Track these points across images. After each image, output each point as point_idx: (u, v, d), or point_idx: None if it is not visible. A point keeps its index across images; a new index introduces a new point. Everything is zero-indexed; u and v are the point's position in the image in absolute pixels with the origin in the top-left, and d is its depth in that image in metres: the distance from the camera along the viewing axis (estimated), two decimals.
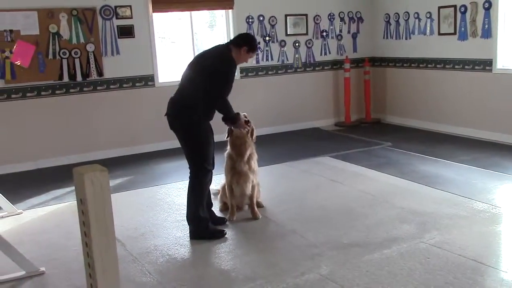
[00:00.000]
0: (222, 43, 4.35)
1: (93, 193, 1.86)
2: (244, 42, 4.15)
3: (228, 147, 4.48)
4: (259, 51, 7.89)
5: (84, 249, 1.98)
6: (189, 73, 4.15)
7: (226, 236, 4.13)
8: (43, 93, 6.60)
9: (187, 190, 4.17)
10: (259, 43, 7.85)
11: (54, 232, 4.41)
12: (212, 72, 3.98)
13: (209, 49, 4.32)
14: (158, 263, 3.72)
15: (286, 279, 3.34)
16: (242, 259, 3.72)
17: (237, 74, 7.79)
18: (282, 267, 3.52)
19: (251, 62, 7.87)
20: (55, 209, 5.01)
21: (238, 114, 4.26)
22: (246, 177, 4.42)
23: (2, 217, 4.81)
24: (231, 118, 4.19)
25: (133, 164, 6.60)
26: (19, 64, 6.36)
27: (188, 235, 4.16)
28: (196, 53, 7.58)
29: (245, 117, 4.40)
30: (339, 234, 4.03)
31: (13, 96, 6.43)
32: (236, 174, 4.41)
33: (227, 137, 4.46)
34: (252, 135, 4.49)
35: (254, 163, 4.54)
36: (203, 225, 4.11)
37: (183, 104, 4.05)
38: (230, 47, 4.15)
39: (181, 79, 4.19)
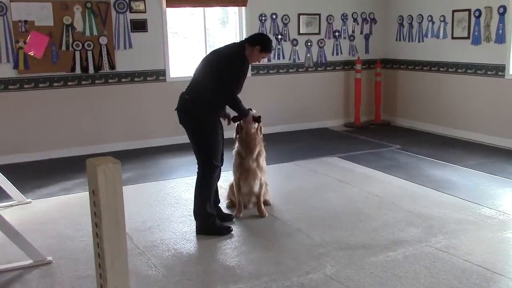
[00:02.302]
0: (237, 41, 4.39)
1: (106, 185, 1.88)
2: (257, 42, 4.15)
3: (237, 144, 4.49)
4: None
5: (95, 240, 2.00)
6: (202, 69, 4.17)
7: (232, 232, 4.14)
8: (55, 84, 6.65)
9: (194, 185, 4.19)
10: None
11: (62, 223, 4.45)
12: (223, 69, 4.00)
13: (224, 46, 4.35)
14: (164, 257, 3.75)
15: (291, 278, 3.35)
16: (247, 256, 3.73)
17: (249, 72, 7.79)
18: (287, 266, 3.53)
19: (263, 60, 7.87)
20: (64, 200, 5.05)
21: (249, 110, 4.30)
22: (254, 174, 4.43)
23: (11, 205, 4.86)
24: (241, 115, 4.22)
25: (142, 158, 6.64)
26: (32, 54, 6.41)
27: (195, 230, 4.18)
28: (208, 49, 7.65)
29: (255, 113, 4.41)
30: (345, 235, 4.04)
31: (25, 86, 6.49)
32: (245, 171, 4.42)
33: (236, 134, 4.47)
34: (260, 131, 4.50)
35: (263, 161, 4.54)
36: (209, 220, 4.13)
37: (193, 99, 4.06)
38: (245, 45, 4.16)
39: (194, 74, 4.20)
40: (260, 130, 4.51)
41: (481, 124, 7.22)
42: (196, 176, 4.20)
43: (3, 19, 6.25)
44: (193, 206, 4.23)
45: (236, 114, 4.31)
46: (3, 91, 6.38)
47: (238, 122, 4.38)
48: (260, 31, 7.75)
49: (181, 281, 3.37)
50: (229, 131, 4.47)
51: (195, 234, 4.15)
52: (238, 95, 4.16)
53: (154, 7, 7.05)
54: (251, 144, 4.40)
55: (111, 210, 1.90)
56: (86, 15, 6.65)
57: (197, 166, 4.19)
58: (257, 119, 4.38)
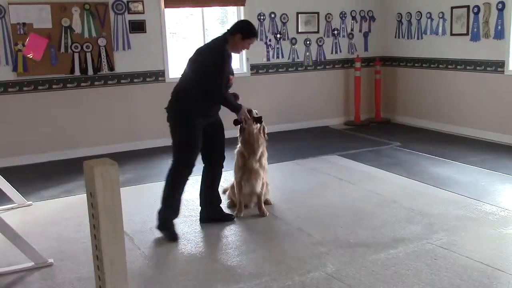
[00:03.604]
0: (221, 34, 4.27)
1: (103, 187, 1.88)
2: (237, 30, 4.07)
3: (239, 145, 4.49)
4: (269, 48, 7.89)
5: (93, 242, 2.00)
6: (186, 67, 4.18)
7: (232, 233, 4.14)
8: (54, 86, 6.65)
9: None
10: (269, 40, 7.86)
11: (63, 225, 4.45)
12: (201, 65, 4.00)
13: (207, 42, 4.36)
14: (165, 257, 3.75)
15: (292, 277, 3.35)
16: (248, 255, 3.73)
17: (247, 71, 7.81)
18: (288, 265, 3.53)
19: (262, 59, 7.88)
20: (65, 202, 5.05)
21: (250, 110, 4.31)
22: (257, 174, 4.43)
23: (12, 208, 4.86)
24: (233, 110, 4.18)
25: (142, 159, 6.64)
26: (31, 57, 6.41)
27: (195, 230, 4.19)
28: None
29: (256, 114, 4.40)
30: (346, 233, 4.04)
31: (25, 88, 6.49)
32: (247, 171, 4.42)
33: (239, 135, 4.45)
34: (264, 132, 4.49)
35: (265, 161, 4.54)
36: (161, 214, 4.11)
37: (175, 98, 4.10)
38: (227, 37, 4.09)
39: (181, 74, 4.23)
40: (264, 131, 4.49)
41: (481, 121, 7.21)
42: (200, 175, 4.32)
43: (2, 22, 6.25)
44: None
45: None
46: (2, 94, 6.39)
47: (240, 125, 4.37)
48: (259, 30, 7.75)
49: (182, 282, 3.37)
50: (227, 130, 4.45)
51: (196, 234, 4.15)
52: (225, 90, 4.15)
53: (152, 7, 7.05)
54: (254, 145, 4.39)
55: (109, 212, 1.90)
56: (84, 16, 6.65)
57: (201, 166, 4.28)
58: (257, 120, 4.37)
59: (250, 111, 4.35)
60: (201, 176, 4.39)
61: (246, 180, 4.44)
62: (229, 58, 4.09)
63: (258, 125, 4.40)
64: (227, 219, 4.40)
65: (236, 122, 4.34)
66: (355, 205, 4.67)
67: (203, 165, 4.35)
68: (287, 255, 3.70)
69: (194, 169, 4.14)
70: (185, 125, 4.04)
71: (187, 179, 4.16)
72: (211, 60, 3.97)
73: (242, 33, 4.05)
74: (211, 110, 4.16)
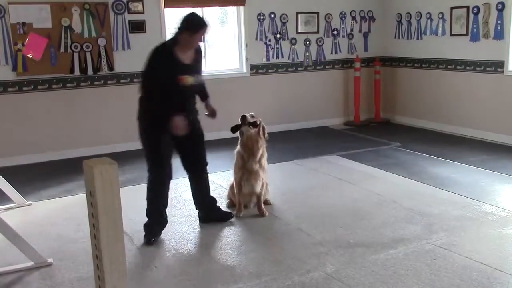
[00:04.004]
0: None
1: (102, 186, 1.88)
2: (183, 28, 3.81)
3: (239, 146, 4.48)
4: (269, 49, 7.89)
5: (92, 241, 2.00)
6: None
7: (232, 232, 4.14)
8: (54, 86, 6.65)
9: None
10: (269, 40, 7.86)
11: (63, 224, 4.45)
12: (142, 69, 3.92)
13: None
14: (165, 257, 3.75)
15: (291, 277, 3.35)
16: (248, 255, 3.73)
17: (247, 71, 7.81)
18: (287, 265, 3.53)
19: (262, 59, 7.88)
20: (64, 202, 5.05)
21: (244, 116, 4.27)
22: (256, 175, 4.43)
23: (12, 208, 4.86)
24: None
25: (142, 159, 6.57)
26: (31, 56, 6.41)
27: (195, 230, 4.19)
28: (207, 49, 7.65)
29: (252, 116, 4.39)
30: (345, 233, 4.03)
31: (24, 88, 6.49)
32: (247, 172, 4.41)
33: (240, 135, 4.44)
34: (264, 133, 4.47)
35: (265, 161, 4.54)
36: (147, 224, 4.07)
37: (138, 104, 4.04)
38: (178, 37, 3.87)
39: None
40: (263, 131, 4.46)
41: (480, 121, 7.21)
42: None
43: (1, 22, 6.25)
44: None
45: (238, 122, 4.31)
46: (2, 94, 6.38)
47: (238, 131, 4.37)
48: (259, 30, 7.76)
49: (181, 282, 3.37)
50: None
51: (195, 234, 4.15)
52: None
53: (152, 7, 7.05)
54: (253, 148, 4.39)
55: (109, 211, 1.90)
56: (84, 16, 6.65)
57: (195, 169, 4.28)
58: (253, 124, 4.35)
59: (244, 117, 4.33)
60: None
61: (245, 181, 4.44)
62: (168, 58, 3.81)
63: (255, 129, 4.37)
64: (226, 218, 4.39)
65: (233, 130, 4.36)
66: (355, 205, 4.67)
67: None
68: (286, 255, 3.70)
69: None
70: (144, 130, 3.96)
71: (162, 186, 4.05)
72: (145, 63, 3.84)
73: (189, 30, 3.80)
74: (164, 111, 3.84)
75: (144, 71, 3.87)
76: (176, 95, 3.85)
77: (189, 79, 3.91)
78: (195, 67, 4.01)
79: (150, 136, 3.95)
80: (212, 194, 5.10)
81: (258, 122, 4.40)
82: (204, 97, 4.30)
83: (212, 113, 4.26)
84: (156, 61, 3.84)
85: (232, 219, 4.40)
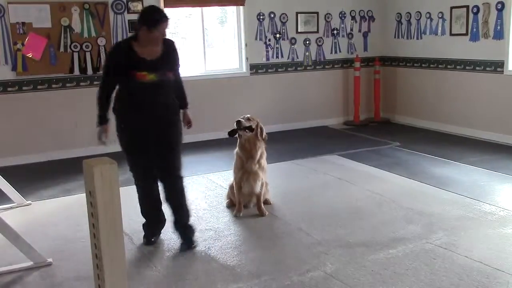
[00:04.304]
0: None
1: (102, 186, 1.88)
2: (140, 24, 3.61)
3: (238, 147, 4.48)
4: (269, 48, 7.89)
5: (92, 240, 2.00)
6: None
7: (232, 232, 4.13)
8: (54, 85, 6.64)
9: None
10: (269, 40, 7.86)
11: (62, 224, 4.45)
12: None
13: None
14: (164, 257, 3.75)
15: (291, 276, 3.35)
16: (247, 255, 3.73)
17: (247, 70, 7.81)
18: (287, 264, 3.53)
19: (261, 59, 7.88)
20: (64, 201, 5.05)
21: (238, 121, 4.21)
22: (256, 175, 4.43)
23: (11, 208, 4.86)
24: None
25: None
26: (30, 56, 6.41)
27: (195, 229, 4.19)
28: (207, 49, 7.66)
29: (248, 119, 4.37)
30: (345, 233, 4.04)
31: (24, 88, 6.49)
32: (246, 173, 4.42)
33: (239, 137, 4.44)
34: (262, 134, 4.45)
35: (264, 161, 4.54)
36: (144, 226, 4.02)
37: None
38: (138, 33, 3.66)
39: None
40: (261, 132, 4.45)
41: (480, 120, 7.22)
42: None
43: (1, 21, 6.24)
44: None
45: (235, 127, 4.30)
46: (1, 93, 6.38)
47: (236, 134, 4.38)
48: (258, 30, 7.76)
49: (181, 281, 3.37)
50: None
51: (195, 233, 4.14)
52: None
53: None
54: (252, 151, 4.39)
55: (108, 211, 1.90)
56: (84, 16, 6.65)
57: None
58: (248, 129, 4.34)
59: (239, 122, 4.32)
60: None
61: (245, 181, 4.44)
62: (124, 53, 3.60)
63: (249, 133, 4.35)
64: (187, 245, 3.87)
65: (230, 134, 4.36)
66: (355, 205, 4.67)
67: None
68: (286, 254, 3.70)
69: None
70: (116, 129, 3.77)
71: (145, 186, 3.89)
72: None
73: (145, 25, 3.58)
74: (139, 109, 3.67)
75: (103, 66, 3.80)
76: (135, 93, 3.65)
77: (148, 76, 3.61)
78: (161, 64, 3.67)
79: (121, 135, 3.76)
80: (211, 194, 5.13)
81: (254, 125, 4.38)
82: (182, 104, 3.98)
83: (187, 123, 4.03)
84: (111, 56, 3.74)
85: (193, 247, 3.86)
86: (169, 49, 3.78)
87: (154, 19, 3.58)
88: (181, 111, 3.98)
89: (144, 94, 3.64)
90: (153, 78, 3.62)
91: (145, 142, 3.72)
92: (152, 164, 3.81)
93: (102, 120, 3.73)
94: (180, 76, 3.97)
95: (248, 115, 4.43)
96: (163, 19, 3.61)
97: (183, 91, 3.99)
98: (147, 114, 3.67)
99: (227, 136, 4.50)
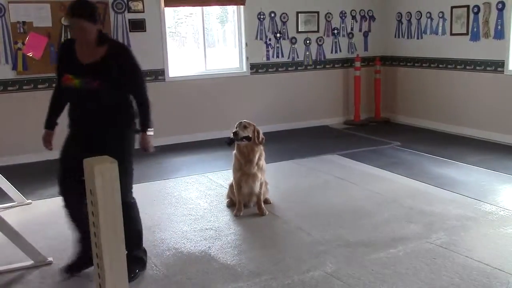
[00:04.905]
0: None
1: (103, 185, 1.88)
2: None
3: (236, 151, 4.49)
4: (269, 48, 7.89)
5: (93, 239, 2.01)
6: None
7: (232, 232, 4.14)
8: (54, 85, 6.60)
9: None
10: (269, 39, 7.86)
11: (63, 223, 4.41)
12: None
13: None
14: (165, 256, 3.75)
15: (291, 276, 3.35)
16: (247, 254, 3.73)
17: (247, 70, 7.81)
18: (287, 264, 3.53)
19: (262, 58, 7.88)
20: None
21: (50, 126, 3.56)
22: (254, 177, 4.44)
23: (12, 207, 4.86)
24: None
25: (142, 158, 6.60)
26: (31, 55, 6.41)
27: (194, 228, 4.19)
28: (207, 49, 7.66)
29: (245, 127, 4.36)
30: (345, 232, 4.04)
31: (24, 87, 6.49)
32: (245, 174, 4.42)
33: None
34: (259, 138, 4.43)
35: (263, 162, 4.54)
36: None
37: None
38: None
39: None
40: (258, 136, 4.43)
41: (480, 120, 7.22)
42: None
43: (1, 21, 6.25)
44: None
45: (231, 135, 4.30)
46: (2, 93, 6.38)
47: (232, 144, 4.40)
48: (259, 30, 7.76)
49: (181, 280, 3.37)
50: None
51: (195, 233, 4.15)
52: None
53: (152, 6, 7.04)
54: (249, 156, 4.40)
55: (109, 210, 1.90)
56: None
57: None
58: (246, 138, 4.34)
59: (236, 133, 4.31)
60: None
61: (244, 182, 4.45)
62: (64, 53, 3.29)
63: (245, 141, 4.36)
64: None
65: (229, 143, 4.38)
66: (355, 204, 4.67)
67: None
68: (286, 254, 3.70)
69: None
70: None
71: (67, 208, 3.39)
72: None
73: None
74: (72, 115, 3.36)
75: None
76: (67, 99, 3.32)
77: (73, 81, 3.18)
78: (94, 70, 3.15)
79: (61, 151, 3.40)
80: (212, 193, 5.13)
81: (251, 134, 4.37)
82: (142, 125, 3.34)
83: (142, 148, 3.41)
84: (57, 54, 3.44)
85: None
86: (115, 56, 3.20)
87: (67, 13, 3.19)
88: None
89: (74, 102, 3.28)
90: (77, 84, 3.17)
91: (74, 158, 3.00)
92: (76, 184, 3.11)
93: (46, 124, 3.46)
94: (141, 93, 3.34)
95: (244, 122, 4.42)
96: (71, 14, 3.10)
97: (143, 110, 3.33)
98: (78, 125, 3.33)
99: (225, 144, 4.50)
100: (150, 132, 3.35)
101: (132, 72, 3.29)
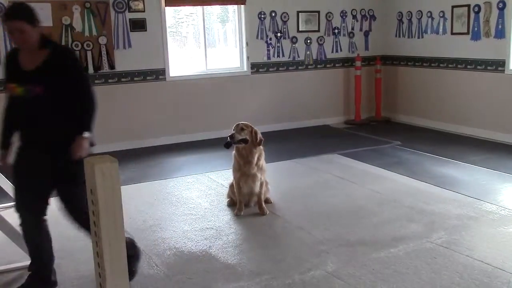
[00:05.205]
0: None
1: (103, 184, 1.88)
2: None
3: (235, 152, 4.49)
4: (270, 47, 7.89)
5: (93, 239, 2.01)
6: None
7: (232, 231, 4.14)
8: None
9: None
10: (270, 39, 7.86)
11: (63, 222, 4.42)
12: None
13: None
14: (165, 255, 3.75)
15: (292, 275, 3.35)
16: (248, 254, 3.73)
17: (248, 69, 7.81)
18: (288, 263, 3.53)
19: (262, 58, 7.88)
20: None
21: (4, 145, 3.24)
22: (254, 177, 4.45)
23: (12, 206, 4.85)
24: None
25: (143, 157, 6.63)
26: None
27: (195, 228, 4.19)
28: (208, 48, 7.66)
29: (242, 129, 4.36)
30: (346, 232, 4.03)
31: None
32: (245, 175, 4.43)
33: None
34: (257, 139, 4.42)
35: (262, 162, 4.54)
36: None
37: None
38: None
39: None
40: (256, 137, 4.42)
41: (481, 120, 7.21)
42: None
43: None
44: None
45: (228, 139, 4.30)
46: (2, 92, 6.37)
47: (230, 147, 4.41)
48: (259, 29, 7.76)
49: (182, 280, 3.37)
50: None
51: (196, 232, 4.15)
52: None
53: (153, 6, 7.04)
54: (249, 157, 4.41)
55: (109, 209, 1.90)
56: (85, 15, 6.65)
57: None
58: (242, 141, 4.35)
59: (233, 136, 4.31)
60: None
61: (244, 182, 4.46)
62: (9, 60, 3.11)
63: (245, 144, 4.37)
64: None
65: (226, 146, 4.38)
66: (356, 204, 4.67)
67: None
68: (287, 253, 3.70)
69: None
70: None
71: (23, 229, 3.21)
72: None
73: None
74: (25, 132, 3.11)
75: None
76: (17, 109, 3.06)
77: (17, 90, 2.97)
78: (36, 76, 2.95)
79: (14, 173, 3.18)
80: (212, 192, 5.13)
81: (248, 136, 4.37)
82: (79, 126, 3.05)
83: (75, 152, 2.98)
84: (4, 66, 3.15)
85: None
86: (58, 59, 3.00)
87: (3, 19, 3.01)
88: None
89: (23, 112, 3.04)
90: (21, 92, 2.95)
91: (23, 175, 3.08)
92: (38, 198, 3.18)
93: (1, 144, 3.16)
94: (87, 97, 3.12)
95: (242, 124, 4.41)
96: (8, 16, 2.96)
97: (85, 114, 3.12)
98: (25, 138, 3.12)
99: (223, 147, 4.50)
100: (85, 135, 3.05)
101: (76, 75, 3.05)
